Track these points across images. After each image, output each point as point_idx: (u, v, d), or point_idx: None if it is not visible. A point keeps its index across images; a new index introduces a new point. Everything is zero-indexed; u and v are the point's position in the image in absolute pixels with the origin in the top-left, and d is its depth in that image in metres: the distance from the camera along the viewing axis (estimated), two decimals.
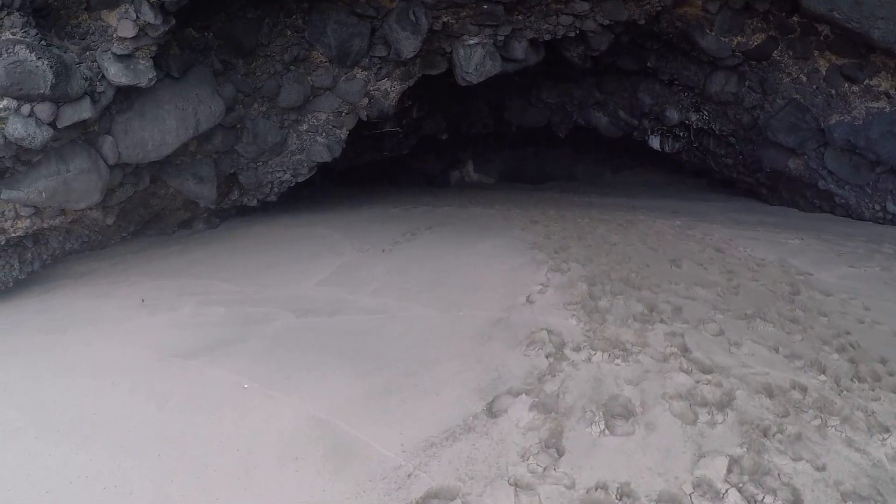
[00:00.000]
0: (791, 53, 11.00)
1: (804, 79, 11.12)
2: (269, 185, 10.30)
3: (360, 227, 9.69)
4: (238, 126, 9.15)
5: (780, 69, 11.18)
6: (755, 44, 10.93)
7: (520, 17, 9.11)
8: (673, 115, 13.14)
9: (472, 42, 9.05)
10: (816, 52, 10.90)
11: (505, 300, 6.02)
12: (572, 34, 9.73)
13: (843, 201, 11.72)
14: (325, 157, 9.93)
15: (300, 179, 10.42)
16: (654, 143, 14.87)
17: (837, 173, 11.42)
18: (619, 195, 15.90)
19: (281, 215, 11.30)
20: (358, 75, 9.37)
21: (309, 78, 9.23)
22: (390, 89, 9.74)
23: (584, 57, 11.46)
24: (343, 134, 9.96)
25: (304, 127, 9.76)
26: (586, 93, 14.22)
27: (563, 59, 11.82)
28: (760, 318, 5.62)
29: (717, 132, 13.09)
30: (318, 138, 9.84)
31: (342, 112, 9.78)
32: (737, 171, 14.34)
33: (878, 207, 11.24)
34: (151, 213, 9.60)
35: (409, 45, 8.47)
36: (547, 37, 9.61)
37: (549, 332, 5.21)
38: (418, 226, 9.73)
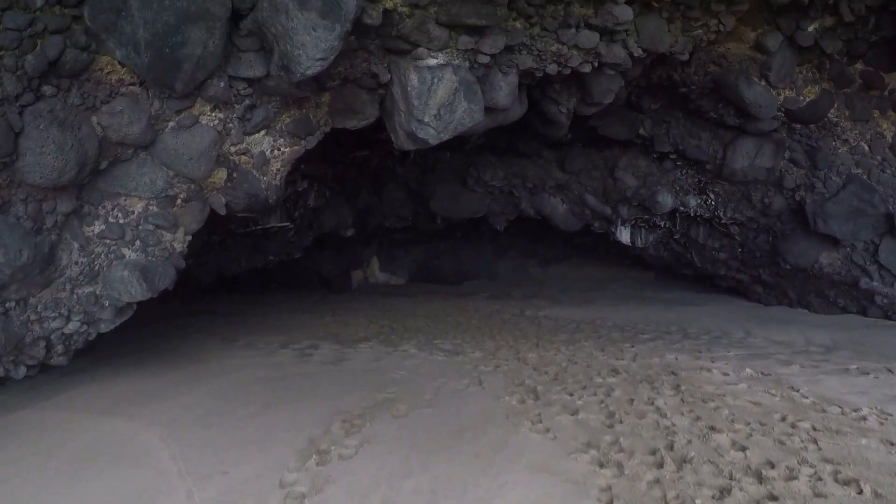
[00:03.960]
0: (848, 114, 7.35)
1: (866, 147, 7.48)
2: (43, 343, 4.72)
3: (217, 425, 4.39)
4: None
5: (836, 135, 7.46)
6: (807, 99, 7.16)
7: (518, 26, 4.58)
8: (666, 199, 9.08)
9: (433, 63, 4.31)
10: (877, 113, 7.36)
11: None
12: (587, 67, 5.31)
13: (885, 301, 8.30)
14: (139, 293, 4.47)
15: (103, 329, 4.94)
16: (624, 235, 10.79)
17: (892, 268, 7.90)
18: (575, 302, 11.53)
19: (89, 375, 5.71)
20: (204, 117, 4.27)
21: (95, 118, 4.06)
22: (271, 153, 4.66)
23: (571, 115, 7.18)
24: (178, 243, 4.64)
25: (95, 228, 4.40)
26: (544, 172, 9.92)
27: (525, 124, 7.39)
28: None
29: (721, 220, 9.15)
30: (126, 252, 4.49)
31: (176, 197, 4.56)
32: (726, 266, 10.51)
33: None
34: None
35: (315, 47, 3.53)
36: (551, 67, 5.12)
37: None
38: (328, 417, 4.58)
